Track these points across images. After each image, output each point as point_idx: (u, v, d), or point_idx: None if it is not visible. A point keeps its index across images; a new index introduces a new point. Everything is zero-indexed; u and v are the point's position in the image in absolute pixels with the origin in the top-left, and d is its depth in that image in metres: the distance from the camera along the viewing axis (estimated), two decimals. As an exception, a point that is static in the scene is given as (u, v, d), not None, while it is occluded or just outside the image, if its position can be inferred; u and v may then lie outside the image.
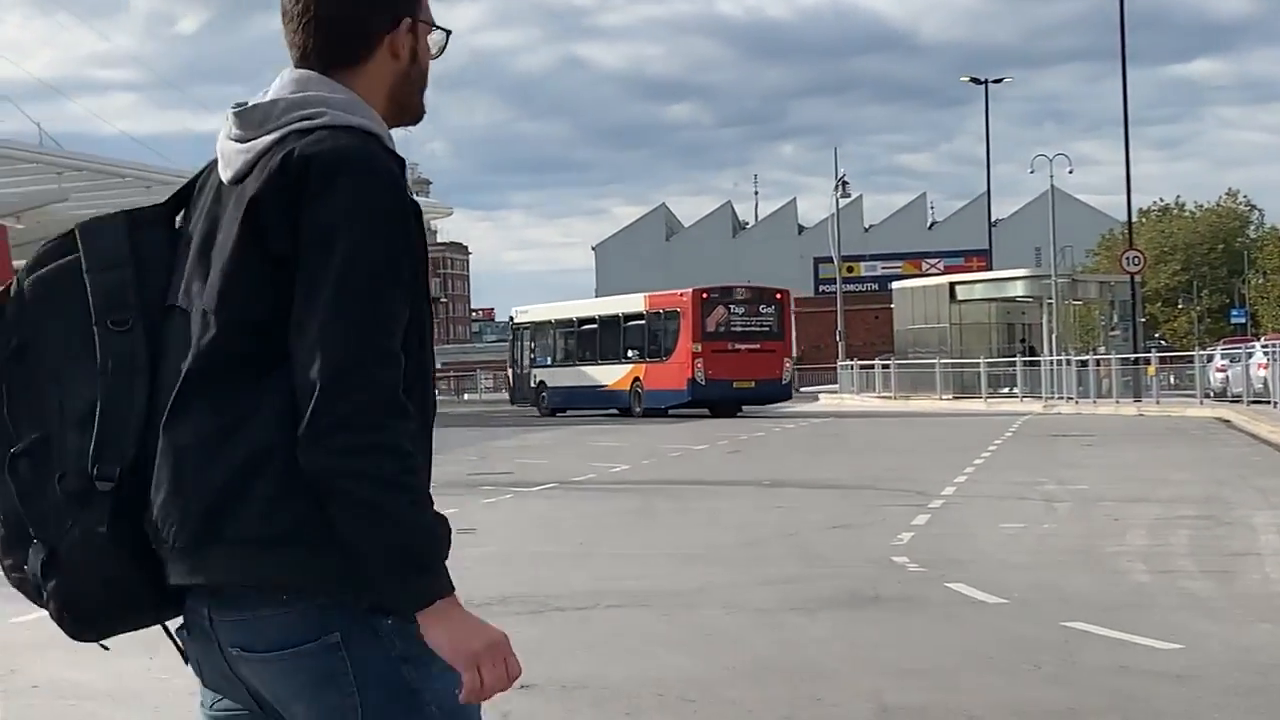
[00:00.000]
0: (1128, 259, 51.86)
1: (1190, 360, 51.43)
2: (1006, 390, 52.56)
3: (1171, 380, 51.86)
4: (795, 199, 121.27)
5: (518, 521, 17.15)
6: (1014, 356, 54.81)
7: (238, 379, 2.60)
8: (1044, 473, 22.28)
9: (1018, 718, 7.40)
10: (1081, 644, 9.20)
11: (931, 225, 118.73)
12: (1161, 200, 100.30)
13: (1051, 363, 50.39)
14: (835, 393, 63.63)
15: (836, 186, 74.44)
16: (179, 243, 2.79)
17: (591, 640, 9.60)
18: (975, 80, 72.28)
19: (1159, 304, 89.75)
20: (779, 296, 49.70)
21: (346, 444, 2.51)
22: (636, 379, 48.60)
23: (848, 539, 14.81)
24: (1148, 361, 47.64)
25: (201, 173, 2.85)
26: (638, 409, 48.12)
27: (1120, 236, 74.46)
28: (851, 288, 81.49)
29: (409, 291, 2.62)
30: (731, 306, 48.02)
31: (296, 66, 2.80)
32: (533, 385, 53.79)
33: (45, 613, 2.72)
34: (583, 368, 51.57)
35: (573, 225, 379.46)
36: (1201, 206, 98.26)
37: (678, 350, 47.07)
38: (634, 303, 51.60)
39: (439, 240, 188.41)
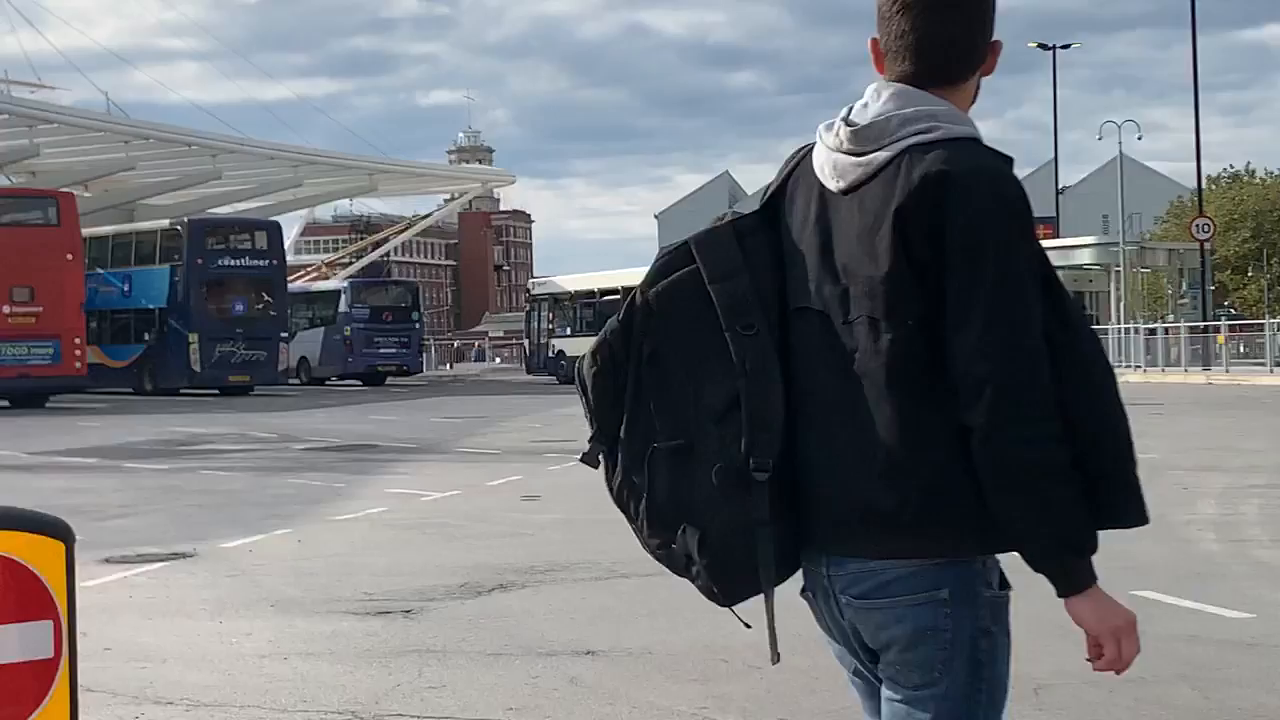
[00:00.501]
0: (1197, 226, 51.38)
1: (1260, 328, 50.94)
2: (1073, 359, 52.05)
3: (1241, 349, 51.42)
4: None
5: (583, 489, 17.08)
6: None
7: (907, 378, 2.86)
8: (1112, 441, 22.11)
9: (1087, 686, 7.35)
10: (1151, 613, 9.12)
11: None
12: (1231, 167, 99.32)
13: (1119, 331, 50.02)
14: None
15: (902, 154, 73.91)
16: (781, 246, 3.05)
17: (657, 607, 9.59)
18: (1043, 46, 71.63)
19: (1228, 272, 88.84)
20: None
21: (1023, 436, 2.79)
22: None
23: (914, 507, 14.75)
24: (1217, 330, 47.23)
25: (786, 179, 3.11)
26: None
27: (1189, 204, 73.80)
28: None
29: (1043, 282, 2.90)
30: None
31: (893, 80, 3.01)
32: (551, 355, 54.83)
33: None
34: None
35: (635, 193, 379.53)
36: (1272, 173, 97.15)
37: None
38: None
39: (502, 208, 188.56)
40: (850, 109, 3.02)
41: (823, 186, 3.00)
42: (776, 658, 3.17)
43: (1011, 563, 2.93)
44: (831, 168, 2.99)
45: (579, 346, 53.10)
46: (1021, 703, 6.98)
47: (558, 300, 56.50)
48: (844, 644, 3.13)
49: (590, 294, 55.01)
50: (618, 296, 52.44)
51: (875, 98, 3.00)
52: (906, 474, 2.87)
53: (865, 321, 2.89)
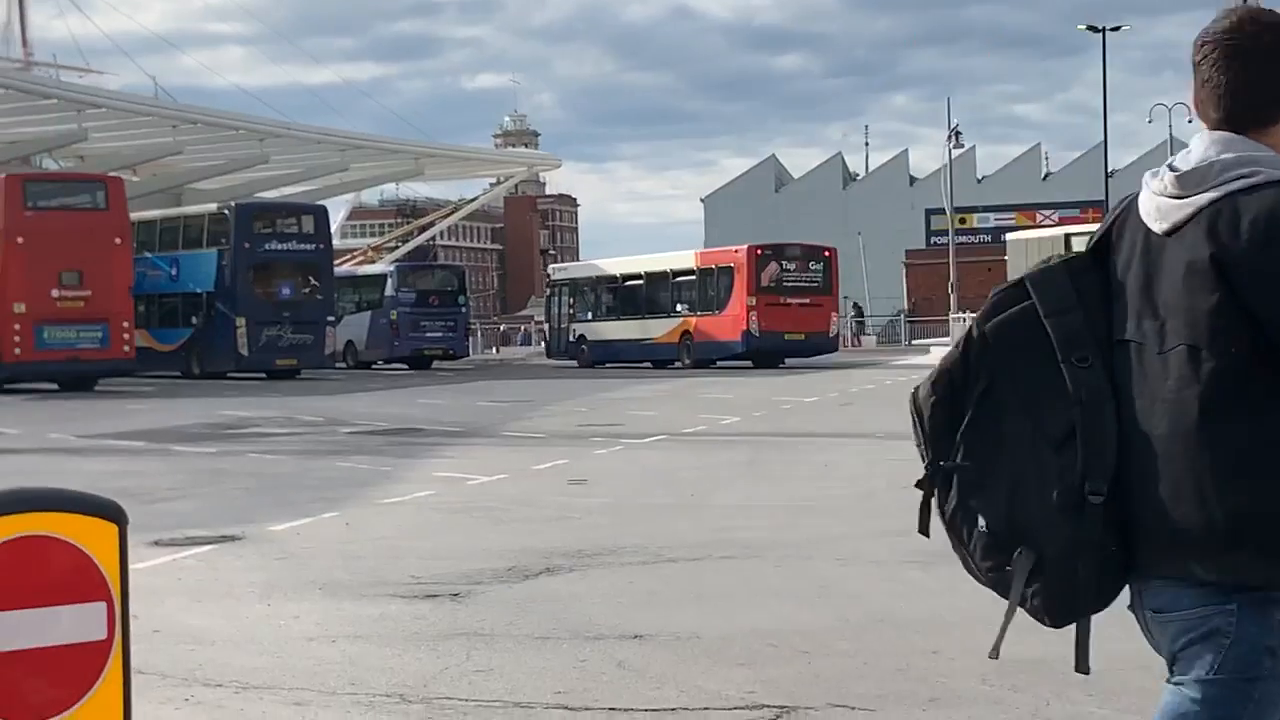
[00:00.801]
0: (1246, 210, 51.00)
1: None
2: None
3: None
4: (907, 150, 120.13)
5: (628, 472, 17.18)
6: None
7: (1225, 405, 3.02)
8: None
9: (1137, 671, 7.28)
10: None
11: (1046, 176, 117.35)
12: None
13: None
14: (947, 345, 63.14)
15: (949, 137, 73.79)
16: (1108, 284, 3.24)
17: (704, 591, 9.60)
18: (1092, 28, 71.15)
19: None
20: (827, 253, 51.41)
21: None
22: (686, 332, 50.35)
23: (961, 492, 14.69)
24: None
25: (1114, 223, 3.31)
26: (686, 360, 49.75)
27: (1238, 187, 73.07)
28: (964, 239, 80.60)
29: None
30: (783, 263, 49.93)
31: (1213, 129, 3.19)
32: (571, 339, 55.63)
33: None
34: (626, 321, 53.25)
35: (680, 177, 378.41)
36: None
37: (731, 304, 48.87)
38: (684, 259, 53.51)
39: (548, 192, 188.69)
40: (1175, 157, 3.20)
41: (1147, 229, 3.19)
42: (1083, 669, 3.35)
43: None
44: (1155, 210, 3.17)
45: (599, 331, 54.15)
46: (1071, 688, 6.94)
47: (578, 285, 57.14)
48: (1158, 650, 3.29)
49: (612, 279, 55.65)
50: (640, 281, 53.16)
51: (1198, 145, 3.17)
52: (1219, 498, 3.01)
53: (1184, 350, 3.05)
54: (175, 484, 16.38)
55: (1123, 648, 7.74)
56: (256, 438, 23.05)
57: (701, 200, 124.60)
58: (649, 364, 50.83)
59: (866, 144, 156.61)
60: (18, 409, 31.67)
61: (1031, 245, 61.70)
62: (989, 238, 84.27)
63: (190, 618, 8.97)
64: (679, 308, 51.49)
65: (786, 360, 48.56)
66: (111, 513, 3.40)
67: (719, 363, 49.04)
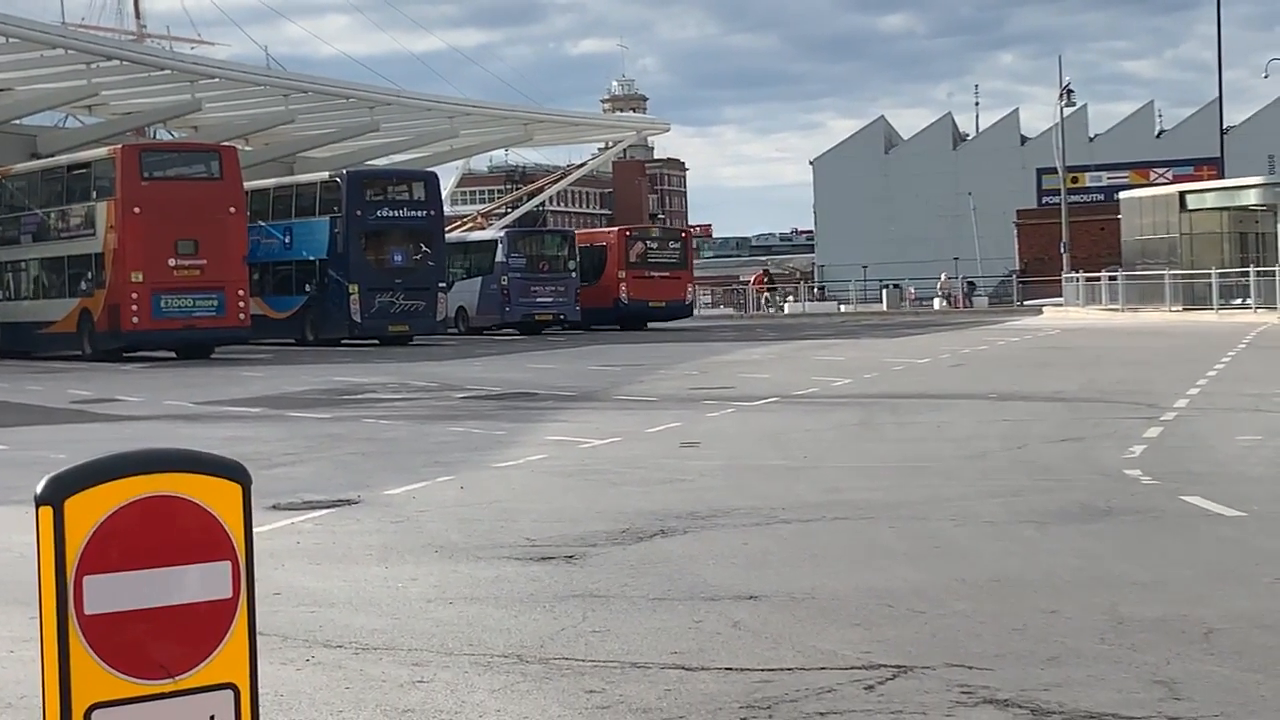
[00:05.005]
0: (1367, 165, 50.08)
1: None
2: (1239, 301, 51.23)
3: None
4: (1017, 110, 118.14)
5: (741, 435, 17.18)
6: (1246, 267, 53.38)
7: None
8: (1280, 385, 21.71)
9: (1258, 630, 7.23)
10: (1324, 558, 8.95)
11: (1159, 134, 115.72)
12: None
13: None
14: (1060, 305, 62.61)
15: (1061, 95, 72.92)
16: None
17: (818, 551, 9.60)
18: (1205, -18, 70.05)
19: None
20: (684, 235, 63.00)
21: None
22: None
23: (1077, 452, 14.59)
24: (1388, 270, 46.05)
25: None
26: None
27: (1359, 142, 71.86)
28: (1076, 198, 79.74)
29: None
30: (648, 242, 59.90)
31: None
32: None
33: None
34: None
35: (786, 140, 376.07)
36: None
37: (605, 276, 57.85)
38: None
39: (656, 157, 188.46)
40: None
41: None
42: None
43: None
44: None
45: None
46: (1192, 646, 6.89)
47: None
48: None
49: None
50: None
51: None
52: None
53: None
54: (292, 449, 16.56)
55: (1243, 606, 7.70)
56: (371, 403, 23.25)
57: (811, 163, 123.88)
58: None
59: (976, 104, 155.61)
60: (136, 377, 32.14)
61: (1145, 203, 61.04)
62: (1102, 196, 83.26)
63: (309, 580, 9.09)
64: None
65: (649, 324, 57.94)
66: (236, 473, 3.45)
67: (594, 326, 56.38)
